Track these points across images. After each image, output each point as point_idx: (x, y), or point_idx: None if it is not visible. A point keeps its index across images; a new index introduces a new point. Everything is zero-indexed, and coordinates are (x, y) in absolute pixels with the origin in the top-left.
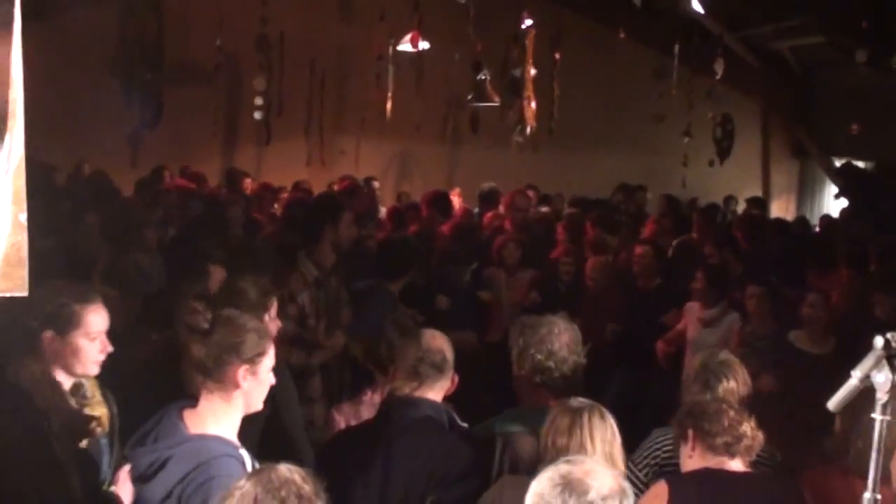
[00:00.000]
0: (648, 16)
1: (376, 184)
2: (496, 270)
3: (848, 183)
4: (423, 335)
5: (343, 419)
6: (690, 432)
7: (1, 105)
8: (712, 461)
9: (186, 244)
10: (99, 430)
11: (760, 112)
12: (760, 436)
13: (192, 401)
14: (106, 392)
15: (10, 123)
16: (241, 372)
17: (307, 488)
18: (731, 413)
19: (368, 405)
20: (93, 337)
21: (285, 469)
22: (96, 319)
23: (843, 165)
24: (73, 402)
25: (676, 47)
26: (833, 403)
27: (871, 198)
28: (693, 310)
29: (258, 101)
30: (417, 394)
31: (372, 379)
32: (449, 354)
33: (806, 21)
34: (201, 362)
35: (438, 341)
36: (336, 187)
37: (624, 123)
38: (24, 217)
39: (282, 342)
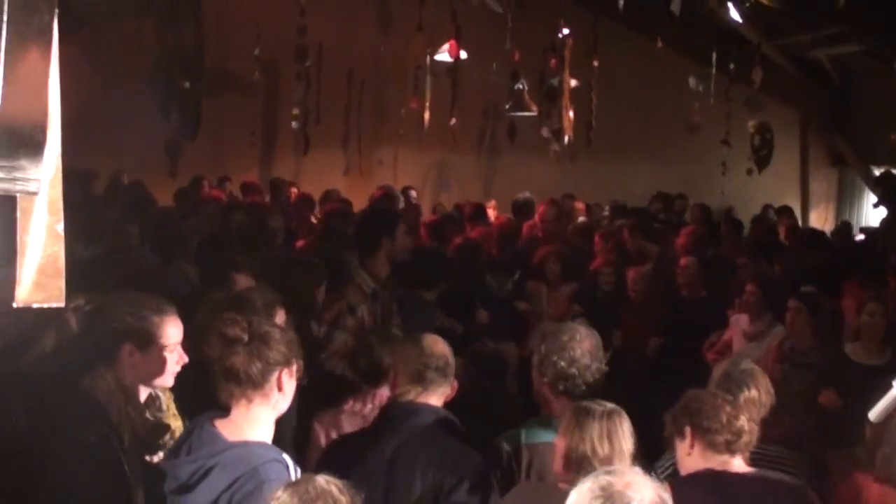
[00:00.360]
0: (686, 25)
1: (413, 193)
2: (537, 284)
3: (886, 191)
4: (425, 340)
5: (323, 430)
6: (688, 430)
7: (40, 116)
8: (714, 460)
9: (214, 250)
10: (172, 442)
11: (799, 121)
12: (756, 429)
13: (221, 411)
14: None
15: (47, 133)
16: (284, 376)
17: (344, 500)
18: (728, 408)
19: (349, 414)
20: (170, 349)
21: (322, 480)
22: (173, 331)
23: (881, 174)
24: (148, 414)
25: (714, 56)
26: (874, 414)
27: None
28: (740, 322)
29: (296, 111)
30: (421, 399)
31: (355, 388)
32: (451, 359)
33: (844, 30)
34: (244, 371)
35: (440, 346)
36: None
37: (662, 132)
38: (60, 227)
39: (339, 355)
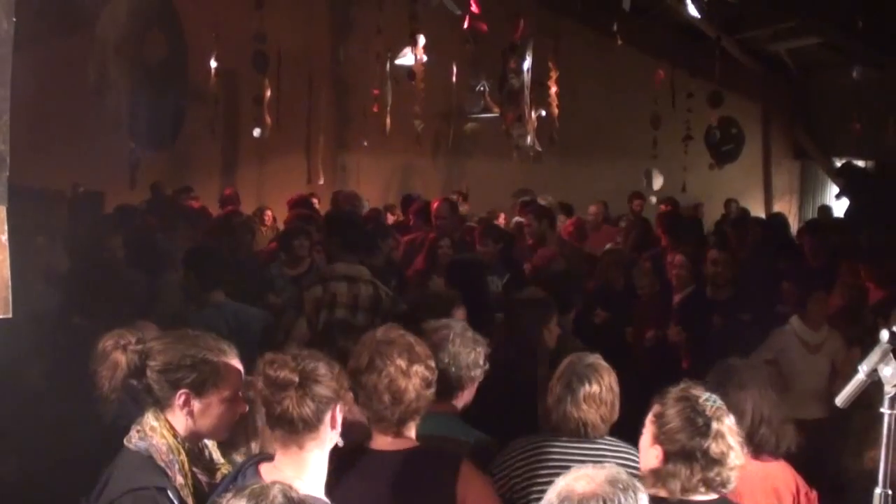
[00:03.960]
0: (645, 21)
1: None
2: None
3: (848, 182)
4: None
5: None
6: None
7: (2, 125)
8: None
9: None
10: None
11: (760, 114)
12: (426, 394)
13: (266, 455)
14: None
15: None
16: (337, 412)
17: None
18: (391, 371)
19: None
20: (231, 396)
21: (277, 491)
22: (235, 375)
23: (843, 165)
24: (204, 472)
25: (674, 52)
26: (841, 399)
27: (873, 197)
28: (789, 334)
29: (258, 119)
30: None
31: None
32: None
33: (802, 22)
34: (298, 416)
35: None
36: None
37: (625, 129)
38: (5, 238)
39: None
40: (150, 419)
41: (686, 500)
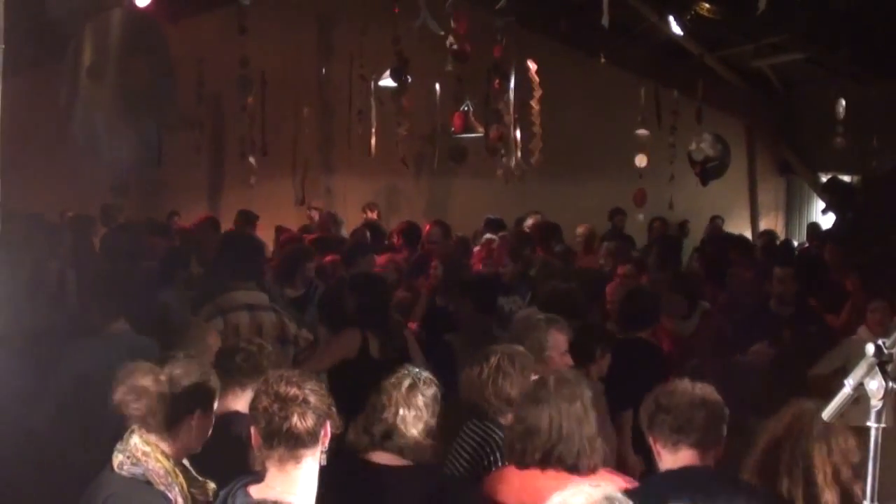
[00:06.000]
0: (629, 40)
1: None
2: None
3: (834, 197)
4: None
5: None
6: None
7: None
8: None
9: None
10: None
11: (744, 131)
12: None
13: (253, 476)
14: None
15: None
16: (329, 428)
17: None
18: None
19: None
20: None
21: None
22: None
23: (828, 180)
24: (201, 493)
25: (658, 71)
26: (828, 413)
27: (859, 212)
28: (856, 343)
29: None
30: None
31: None
32: None
33: (786, 38)
34: (304, 430)
35: None
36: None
37: (610, 148)
38: None
39: None
40: (138, 444)
41: (366, 460)
